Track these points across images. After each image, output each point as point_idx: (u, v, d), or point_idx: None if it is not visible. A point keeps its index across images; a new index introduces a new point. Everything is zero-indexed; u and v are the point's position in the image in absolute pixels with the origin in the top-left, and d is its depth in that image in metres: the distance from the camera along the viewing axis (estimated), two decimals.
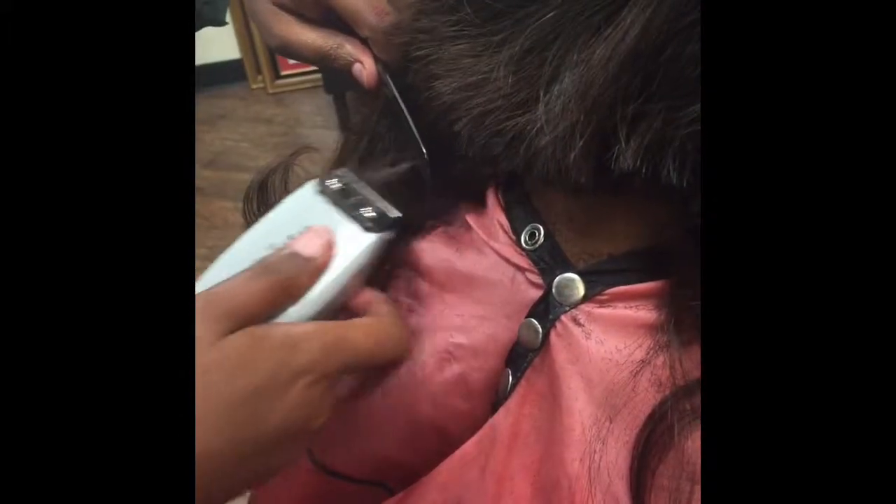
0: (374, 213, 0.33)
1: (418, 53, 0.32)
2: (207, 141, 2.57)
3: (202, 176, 2.36)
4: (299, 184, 0.42)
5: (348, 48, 0.39)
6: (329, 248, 0.32)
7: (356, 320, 0.31)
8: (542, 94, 0.27)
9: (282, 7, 0.39)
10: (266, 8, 0.40)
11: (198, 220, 2.15)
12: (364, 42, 0.39)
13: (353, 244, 0.32)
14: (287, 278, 0.30)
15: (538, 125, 0.27)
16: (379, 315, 0.32)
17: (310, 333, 0.29)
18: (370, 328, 0.31)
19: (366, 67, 0.38)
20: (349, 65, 0.39)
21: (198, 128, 2.58)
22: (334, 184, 0.35)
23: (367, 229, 0.33)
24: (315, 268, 0.31)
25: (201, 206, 2.21)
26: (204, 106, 2.72)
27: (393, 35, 0.37)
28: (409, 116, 0.36)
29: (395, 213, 0.34)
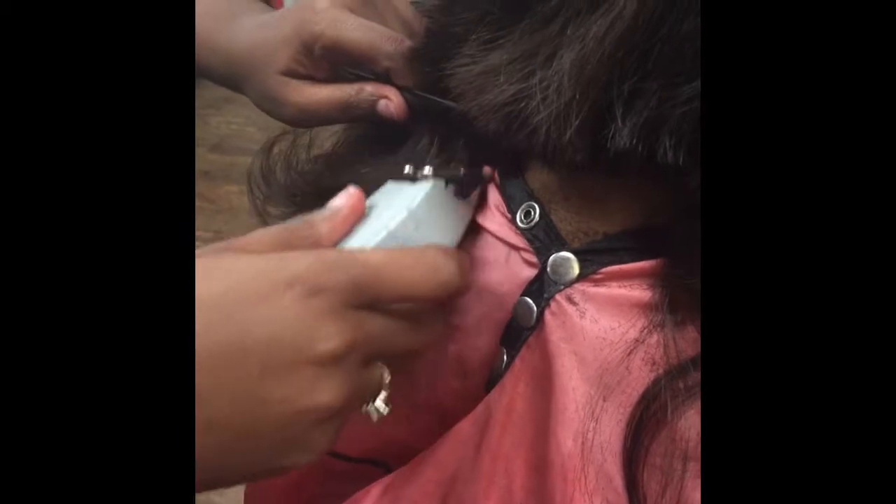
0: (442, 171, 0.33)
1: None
2: (213, 124, 2.57)
3: (208, 160, 2.36)
4: (299, 162, 0.42)
5: (368, 89, 0.39)
6: (354, 199, 0.30)
7: (380, 249, 0.28)
8: (538, 72, 0.27)
9: (292, 74, 0.39)
10: (275, 81, 0.39)
11: (204, 204, 2.15)
12: (381, 79, 0.39)
13: (406, 196, 0.31)
14: (297, 227, 0.28)
15: (534, 103, 0.27)
16: (426, 249, 0.29)
17: (302, 252, 0.26)
18: (394, 253, 0.27)
19: (392, 99, 0.38)
20: (373, 105, 0.39)
21: (204, 112, 2.58)
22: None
23: (423, 179, 0.32)
24: (336, 216, 0.29)
25: (208, 189, 2.21)
26: (209, 90, 2.71)
27: (414, 58, 0.37)
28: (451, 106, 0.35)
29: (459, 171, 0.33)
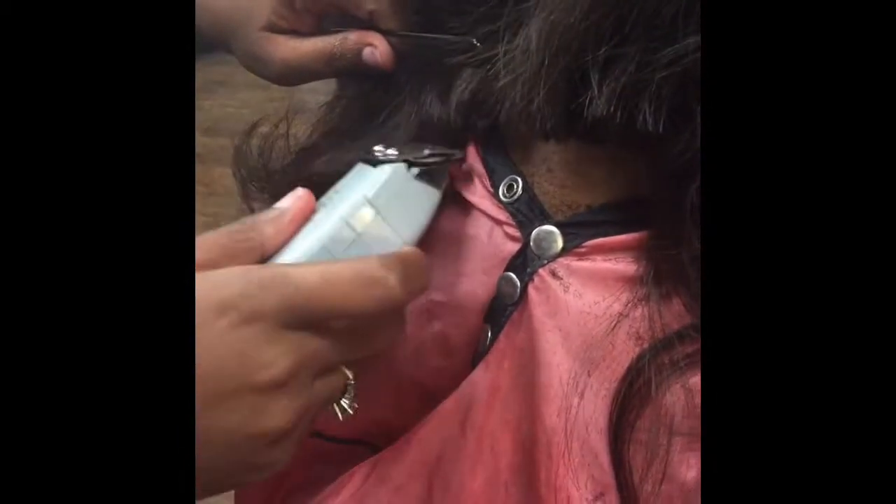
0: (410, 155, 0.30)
1: None
2: (206, 108, 2.56)
3: (201, 143, 2.34)
4: (285, 144, 0.41)
5: (352, 37, 0.37)
6: (300, 199, 0.29)
7: (317, 263, 0.27)
8: (502, 38, 0.27)
9: (273, 30, 0.38)
10: (257, 37, 0.39)
11: (198, 188, 2.13)
12: (364, 27, 0.37)
13: (367, 183, 0.29)
14: (241, 229, 0.27)
15: (496, 69, 0.27)
16: (364, 261, 0.26)
17: (231, 273, 0.24)
18: (331, 268, 0.26)
19: (377, 46, 0.37)
20: (357, 54, 0.37)
21: (197, 95, 2.56)
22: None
23: (387, 161, 0.30)
24: (283, 218, 0.28)
25: (201, 173, 2.20)
26: (202, 73, 2.68)
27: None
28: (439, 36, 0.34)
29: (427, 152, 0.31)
